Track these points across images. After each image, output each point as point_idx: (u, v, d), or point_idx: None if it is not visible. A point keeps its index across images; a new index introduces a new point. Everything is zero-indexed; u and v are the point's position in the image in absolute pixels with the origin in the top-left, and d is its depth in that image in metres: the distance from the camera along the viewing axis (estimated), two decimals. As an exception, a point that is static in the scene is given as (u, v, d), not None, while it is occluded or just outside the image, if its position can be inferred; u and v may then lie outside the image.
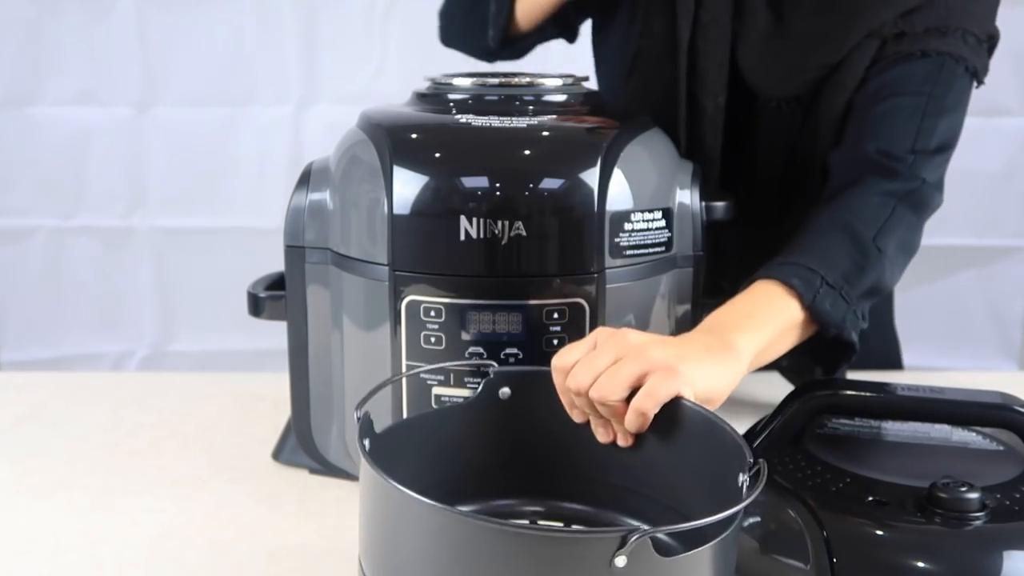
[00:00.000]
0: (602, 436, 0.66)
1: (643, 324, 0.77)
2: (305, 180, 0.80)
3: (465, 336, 0.72)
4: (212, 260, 2.25)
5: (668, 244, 0.77)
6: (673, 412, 0.62)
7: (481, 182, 0.72)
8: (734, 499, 0.53)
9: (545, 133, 0.75)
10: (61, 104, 2.20)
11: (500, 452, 0.69)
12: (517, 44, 1.07)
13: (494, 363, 0.68)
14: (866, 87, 0.89)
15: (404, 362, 0.74)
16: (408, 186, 0.72)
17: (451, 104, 0.80)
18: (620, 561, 0.47)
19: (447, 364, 0.72)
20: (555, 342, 0.72)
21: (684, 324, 0.80)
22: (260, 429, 0.94)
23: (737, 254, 0.90)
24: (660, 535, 0.56)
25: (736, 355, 0.68)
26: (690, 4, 0.92)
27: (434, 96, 0.81)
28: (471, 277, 0.72)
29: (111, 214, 2.26)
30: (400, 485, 0.51)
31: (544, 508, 0.70)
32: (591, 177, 0.72)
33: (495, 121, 0.75)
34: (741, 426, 0.80)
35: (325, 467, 0.84)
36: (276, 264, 0.85)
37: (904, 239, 0.82)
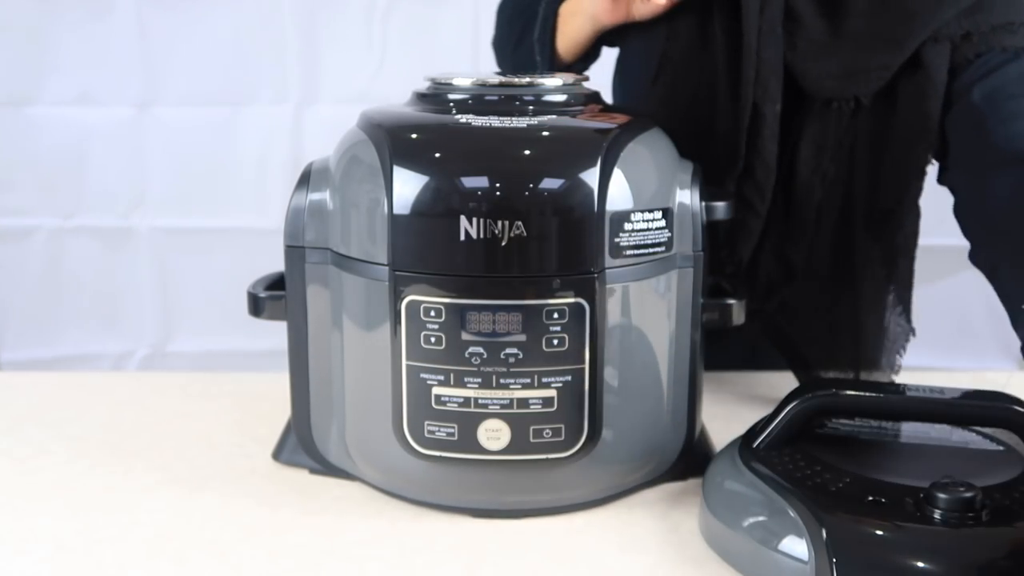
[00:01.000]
0: None
1: (643, 324, 0.77)
2: (305, 180, 0.80)
3: (465, 336, 0.72)
4: (212, 260, 2.25)
5: (668, 244, 0.77)
6: None
7: (481, 182, 0.72)
8: None
9: (545, 133, 0.75)
10: (61, 104, 2.20)
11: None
12: (572, 69, 1.08)
13: None
14: (970, 98, 0.88)
15: (404, 362, 0.74)
16: (408, 186, 0.72)
17: (451, 104, 0.80)
18: None
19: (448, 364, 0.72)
20: (555, 342, 0.72)
21: (684, 324, 0.80)
22: (260, 429, 0.94)
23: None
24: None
25: None
26: (755, 16, 0.91)
27: (434, 96, 0.81)
28: (471, 277, 0.72)
29: (111, 214, 2.26)
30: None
31: None
32: (591, 177, 0.72)
33: (495, 121, 0.75)
34: (741, 426, 0.80)
35: (325, 467, 0.84)
36: (276, 264, 0.85)
37: None
